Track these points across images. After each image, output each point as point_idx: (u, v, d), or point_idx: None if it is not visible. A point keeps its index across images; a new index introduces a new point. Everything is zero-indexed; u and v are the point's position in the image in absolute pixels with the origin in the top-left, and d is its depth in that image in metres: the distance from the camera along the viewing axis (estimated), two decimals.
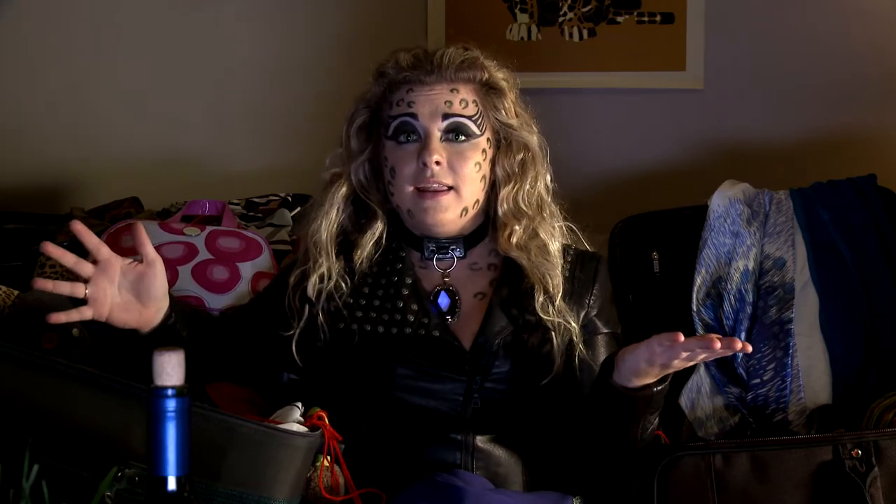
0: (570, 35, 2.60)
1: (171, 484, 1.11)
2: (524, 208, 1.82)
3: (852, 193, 2.19)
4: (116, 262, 1.65)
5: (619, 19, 2.59)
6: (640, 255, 2.22)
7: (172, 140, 2.63)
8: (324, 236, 1.80)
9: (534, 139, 1.84)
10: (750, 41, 2.59)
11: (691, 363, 1.59)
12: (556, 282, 1.79)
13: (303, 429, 1.58)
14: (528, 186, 1.83)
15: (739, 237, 2.14)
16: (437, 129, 1.76)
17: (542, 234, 1.82)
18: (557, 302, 1.78)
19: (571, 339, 1.78)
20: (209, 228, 2.17)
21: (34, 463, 1.26)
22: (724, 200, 2.17)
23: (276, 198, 2.42)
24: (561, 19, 2.60)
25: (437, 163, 1.74)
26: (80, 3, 2.63)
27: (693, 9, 2.57)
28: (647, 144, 2.61)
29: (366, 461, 1.69)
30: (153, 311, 1.69)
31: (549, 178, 1.86)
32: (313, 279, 1.78)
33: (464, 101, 1.78)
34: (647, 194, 2.52)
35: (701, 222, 2.17)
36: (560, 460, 1.79)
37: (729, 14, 2.58)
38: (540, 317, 1.76)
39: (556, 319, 1.77)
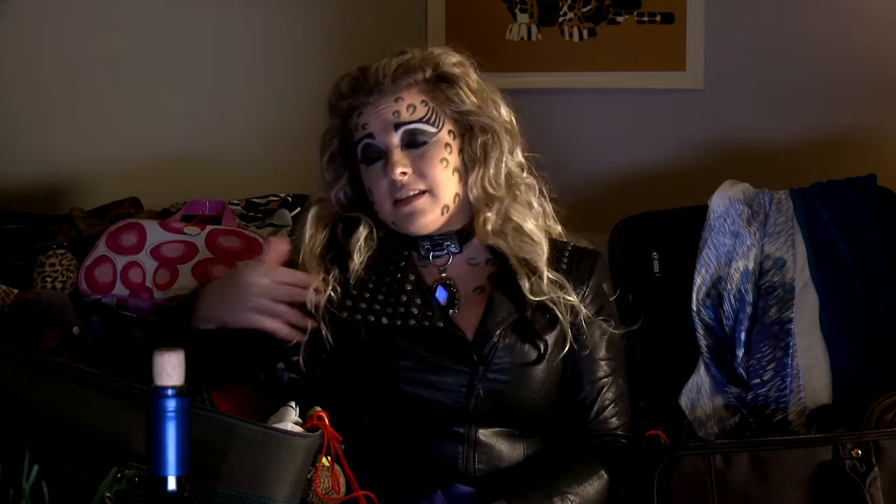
0: (570, 35, 2.60)
1: (171, 484, 1.11)
2: (492, 192, 1.82)
3: (852, 193, 2.19)
4: None
5: (619, 19, 2.59)
6: (640, 255, 2.22)
7: (172, 140, 2.63)
8: (307, 255, 1.82)
9: (493, 119, 1.83)
10: (750, 41, 2.59)
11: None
12: (540, 259, 1.80)
13: (300, 430, 1.59)
14: (492, 170, 1.82)
15: (739, 237, 2.14)
16: (393, 141, 1.78)
17: (515, 216, 1.83)
18: (546, 278, 1.79)
19: (576, 319, 1.80)
20: (209, 227, 2.17)
21: (34, 463, 1.26)
22: (724, 200, 2.17)
23: (276, 198, 2.42)
24: (561, 19, 2.60)
25: (403, 173, 1.76)
26: (81, 3, 2.63)
27: (693, 9, 2.57)
28: (647, 144, 2.61)
29: (368, 455, 1.70)
30: None
31: (519, 153, 1.85)
32: (308, 293, 1.79)
33: (410, 106, 1.78)
34: (647, 194, 2.52)
35: (701, 222, 2.17)
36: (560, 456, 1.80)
37: (729, 14, 2.58)
38: (534, 300, 1.78)
39: (552, 295, 1.78)
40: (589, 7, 2.59)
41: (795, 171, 2.44)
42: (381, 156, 1.79)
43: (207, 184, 2.53)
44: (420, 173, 1.77)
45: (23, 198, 2.55)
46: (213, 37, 2.64)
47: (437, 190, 1.78)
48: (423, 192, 1.77)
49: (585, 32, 2.60)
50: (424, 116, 1.79)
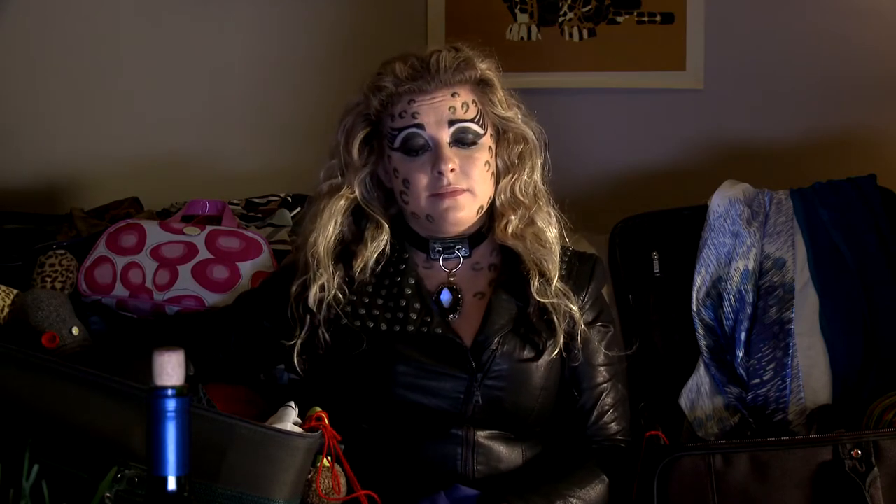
0: (570, 35, 2.60)
1: (171, 484, 1.11)
2: (521, 198, 1.84)
3: (852, 193, 2.19)
4: None
5: (619, 19, 2.59)
6: (640, 255, 2.22)
7: (172, 140, 2.63)
8: (321, 248, 1.80)
9: (531, 130, 1.85)
10: (750, 41, 2.59)
11: None
12: (553, 266, 1.81)
13: (300, 430, 1.59)
14: (525, 176, 1.84)
15: (739, 237, 2.14)
16: (445, 136, 1.77)
17: (539, 222, 1.84)
18: (554, 284, 1.79)
19: (572, 328, 1.79)
20: (209, 228, 2.17)
21: (34, 463, 1.26)
22: (724, 200, 2.17)
23: (276, 198, 2.42)
24: (561, 19, 2.60)
25: (452, 170, 1.76)
26: (81, 3, 2.63)
27: (693, 9, 2.57)
28: (647, 144, 2.61)
29: (366, 458, 1.70)
30: None
31: (544, 167, 1.87)
32: (314, 289, 1.79)
33: (465, 104, 1.78)
34: (647, 194, 2.52)
35: (701, 222, 2.17)
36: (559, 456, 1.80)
37: (729, 14, 2.58)
38: (537, 300, 1.77)
39: (555, 300, 1.78)
40: (589, 7, 2.58)
41: (795, 171, 2.44)
42: (425, 148, 1.77)
43: (207, 184, 2.53)
44: (465, 173, 1.77)
45: (23, 198, 2.55)
46: (214, 36, 2.64)
47: (477, 191, 1.79)
48: (464, 191, 1.78)
49: (585, 32, 2.59)
50: (475, 117, 1.79)
